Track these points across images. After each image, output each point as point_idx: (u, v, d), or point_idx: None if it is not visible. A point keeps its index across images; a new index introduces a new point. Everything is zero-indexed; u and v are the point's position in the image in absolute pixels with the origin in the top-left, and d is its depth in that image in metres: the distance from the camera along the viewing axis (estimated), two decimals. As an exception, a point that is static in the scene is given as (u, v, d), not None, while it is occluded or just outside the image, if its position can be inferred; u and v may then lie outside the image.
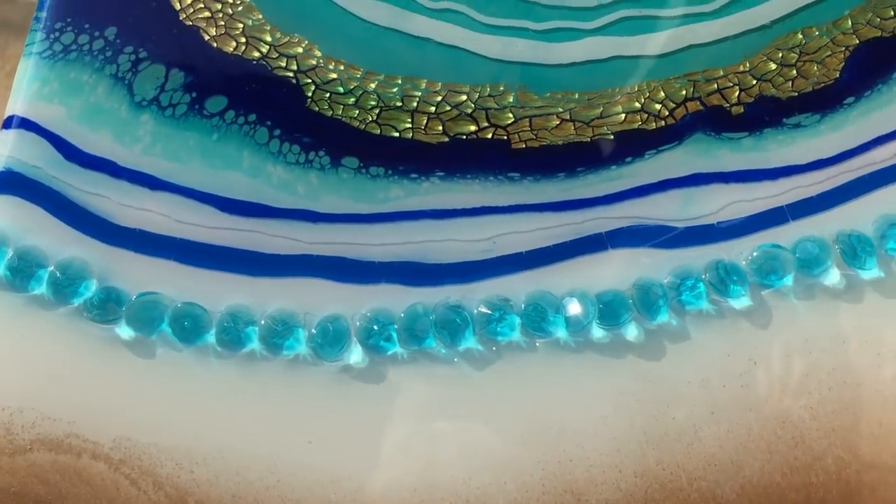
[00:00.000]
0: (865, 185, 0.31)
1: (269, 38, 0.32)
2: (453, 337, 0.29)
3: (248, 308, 0.29)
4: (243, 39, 0.32)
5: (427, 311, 0.29)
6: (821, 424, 0.29)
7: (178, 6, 0.32)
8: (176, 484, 0.28)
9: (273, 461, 0.28)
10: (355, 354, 0.29)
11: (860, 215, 0.31)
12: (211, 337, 0.29)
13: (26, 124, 0.31)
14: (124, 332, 0.29)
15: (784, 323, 0.30)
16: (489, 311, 0.29)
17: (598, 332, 0.29)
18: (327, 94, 0.32)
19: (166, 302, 0.29)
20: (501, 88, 0.32)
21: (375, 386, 0.29)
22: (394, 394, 0.29)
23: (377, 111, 0.32)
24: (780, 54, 0.32)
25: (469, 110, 0.32)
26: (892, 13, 0.33)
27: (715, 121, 0.32)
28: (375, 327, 0.29)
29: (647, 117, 0.32)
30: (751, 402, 0.29)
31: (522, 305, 0.29)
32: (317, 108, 0.32)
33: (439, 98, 0.32)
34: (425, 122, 0.32)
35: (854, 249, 0.30)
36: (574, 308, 0.29)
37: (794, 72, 0.32)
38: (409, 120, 0.31)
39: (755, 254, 0.30)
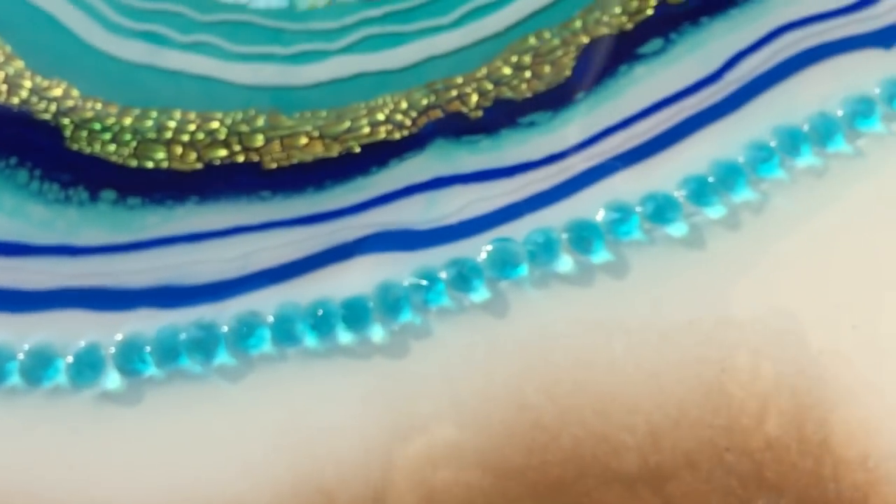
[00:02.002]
0: (596, 174, 0.31)
1: (29, 84, 0.32)
2: (206, 354, 0.29)
3: (8, 344, 0.29)
4: (5, 87, 0.32)
5: (179, 331, 0.29)
6: (556, 405, 0.29)
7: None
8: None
9: (34, 490, 0.28)
10: (112, 379, 0.29)
11: (591, 203, 0.31)
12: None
13: None
14: None
15: (521, 312, 0.30)
16: (240, 326, 0.29)
17: (345, 337, 0.29)
18: (85, 133, 0.31)
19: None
20: (252, 113, 0.32)
21: (133, 408, 0.29)
22: (152, 414, 0.29)
23: (134, 145, 0.31)
24: (515, 58, 0.32)
25: (222, 136, 0.32)
26: (620, 10, 0.33)
27: (455, 126, 0.32)
28: (130, 351, 0.29)
29: (392, 128, 0.32)
30: (490, 391, 0.29)
31: (272, 318, 0.29)
32: (76, 147, 0.31)
33: (193, 127, 0.32)
34: (180, 151, 0.31)
35: (583, 236, 0.30)
36: (321, 315, 0.29)
37: (529, 73, 0.32)
38: (165, 150, 0.31)
39: (490, 248, 0.30)
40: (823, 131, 0.31)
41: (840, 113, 0.31)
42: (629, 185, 0.31)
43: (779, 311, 0.29)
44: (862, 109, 0.31)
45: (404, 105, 0.32)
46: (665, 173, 0.31)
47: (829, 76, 0.31)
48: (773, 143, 0.30)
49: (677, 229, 0.30)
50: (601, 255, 0.30)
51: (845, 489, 0.28)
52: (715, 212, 0.30)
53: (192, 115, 0.32)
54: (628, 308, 0.29)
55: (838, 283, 0.29)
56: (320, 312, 0.29)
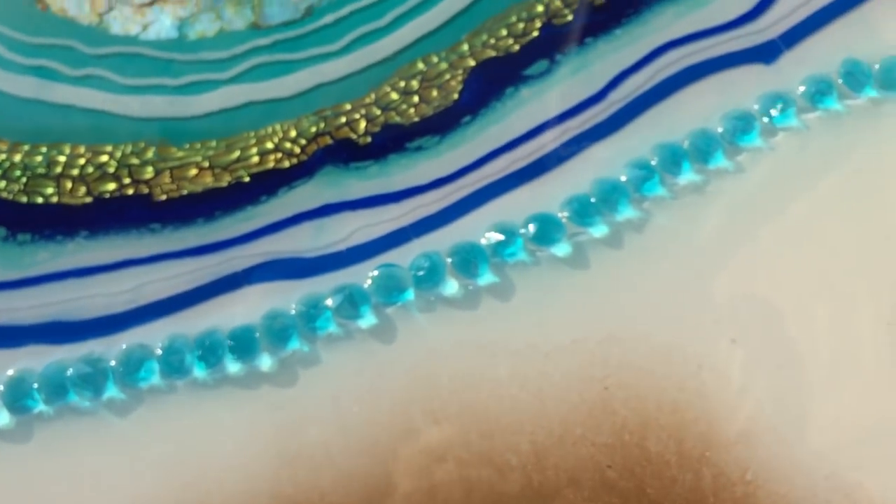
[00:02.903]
0: (482, 197, 0.31)
1: (-81, 123, 0.32)
2: (95, 389, 0.29)
3: None
4: None
5: (67, 367, 0.29)
6: (442, 428, 0.29)
7: None
8: None
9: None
10: (1, 417, 0.29)
11: (478, 226, 0.31)
12: None
13: None
14: None
15: (408, 336, 0.30)
16: (128, 360, 0.29)
17: (233, 367, 0.29)
18: (-25, 170, 0.31)
19: None
20: (142, 145, 0.31)
21: (23, 445, 0.28)
22: (42, 450, 0.28)
23: (24, 181, 0.31)
24: (403, 83, 0.32)
25: (112, 169, 0.31)
26: (506, 33, 0.33)
27: (344, 153, 0.31)
28: (19, 388, 0.29)
29: (281, 156, 0.31)
30: (377, 416, 0.29)
31: (160, 350, 0.29)
32: (-33, 185, 0.31)
33: (83, 161, 0.31)
34: (70, 185, 0.31)
35: (468, 259, 0.30)
36: (209, 346, 0.29)
37: (417, 98, 0.32)
38: (55, 185, 0.31)
39: (375, 274, 0.30)
40: (704, 148, 0.30)
41: (720, 129, 0.31)
42: (515, 206, 0.30)
43: (660, 327, 0.29)
44: (741, 125, 0.30)
45: (293, 133, 0.31)
46: (550, 194, 0.30)
47: (711, 93, 0.31)
48: (654, 162, 0.30)
49: (561, 249, 0.30)
50: (487, 278, 0.30)
51: (724, 502, 0.28)
52: (598, 231, 0.30)
53: (82, 149, 0.31)
54: (513, 329, 0.29)
55: (718, 298, 0.29)
56: (208, 343, 0.29)
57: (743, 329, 0.29)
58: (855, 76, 0.31)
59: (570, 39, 0.32)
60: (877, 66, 0.30)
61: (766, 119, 0.30)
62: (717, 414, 0.28)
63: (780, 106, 0.30)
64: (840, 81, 0.31)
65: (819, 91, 0.31)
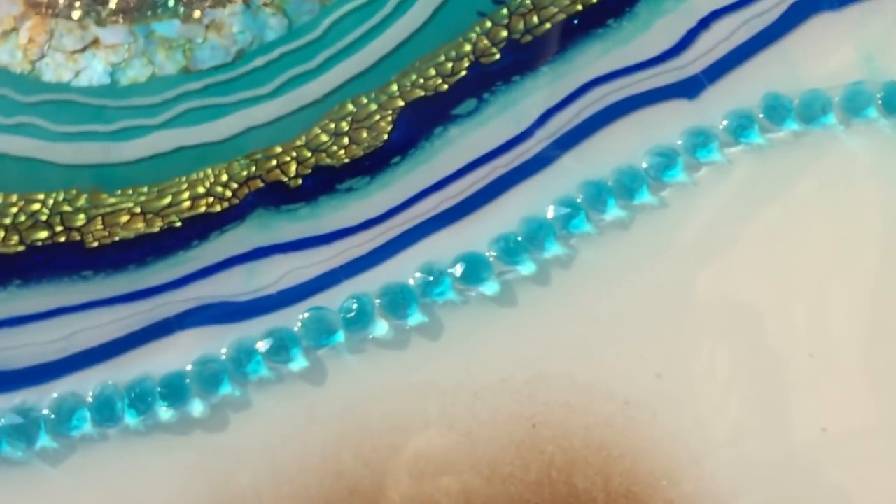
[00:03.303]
0: (411, 237, 0.31)
1: None
2: (27, 439, 0.29)
3: None
4: None
5: (-1, 419, 0.29)
6: (372, 470, 0.29)
7: None
8: None
9: None
10: (-69, 470, 0.28)
11: (407, 266, 0.31)
12: None
13: None
14: None
15: (339, 379, 0.30)
16: (60, 409, 0.29)
17: (165, 413, 0.29)
18: None
19: None
20: (74, 192, 0.31)
21: (-45, 497, 0.29)
22: (-26, 502, 0.28)
23: (-44, 230, 0.31)
24: (333, 125, 0.32)
25: (44, 217, 0.31)
26: (435, 73, 0.33)
27: (275, 195, 0.31)
28: (-50, 441, 0.29)
29: (212, 200, 0.31)
30: (308, 460, 0.29)
31: (91, 399, 0.29)
32: None
33: (15, 210, 0.31)
34: (2, 234, 0.31)
35: (397, 300, 0.30)
36: (139, 394, 0.29)
37: (347, 140, 0.32)
38: (-14, 235, 0.31)
39: (305, 317, 0.30)
40: (629, 184, 0.31)
41: (645, 165, 0.31)
42: (444, 246, 0.30)
43: (587, 363, 0.29)
44: (665, 161, 0.31)
45: (224, 177, 0.31)
46: (478, 233, 0.31)
47: (635, 129, 0.31)
48: (579, 199, 0.30)
49: (490, 288, 0.30)
50: (416, 318, 0.30)
51: (650, 537, 0.28)
52: (526, 268, 0.30)
53: (14, 198, 0.31)
54: (443, 369, 0.29)
55: (643, 333, 0.30)
56: (138, 390, 0.29)
57: (667, 364, 0.29)
58: (776, 110, 0.31)
59: (497, 78, 0.32)
60: (797, 100, 0.31)
61: (689, 154, 0.31)
62: (643, 450, 0.28)
63: (702, 140, 0.31)
64: (761, 115, 0.31)
65: (741, 125, 0.31)
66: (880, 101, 0.31)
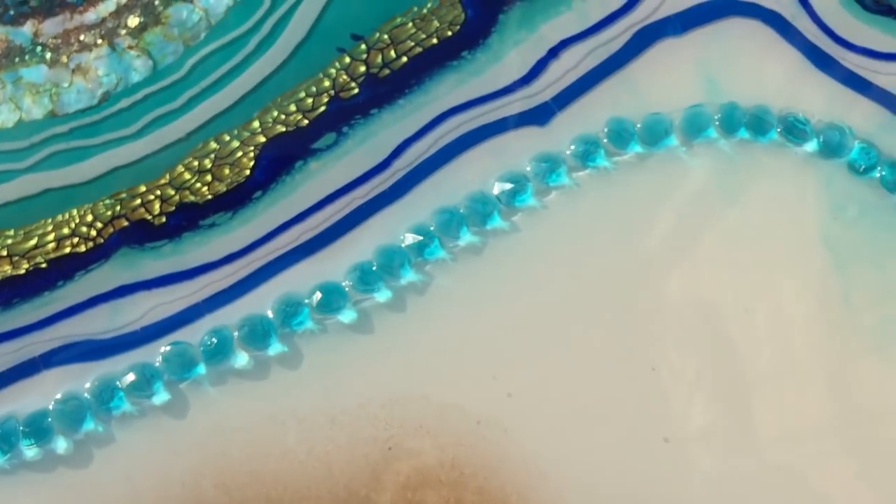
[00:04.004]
0: (272, 269, 0.32)
1: None
2: None
3: None
4: None
5: None
6: (232, 498, 0.29)
7: None
8: None
9: None
10: None
11: (268, 298, 0.31)
12: None
13: None
14: None
15: (200, 410, 0.30)
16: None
17: (29, 451, 0.30)
18: None
19: None
20: (-58, 238, 0.32)
21: None
22: None
23: None
24: (196, 163, 0.33)
25: (-89, 263, 0.32)
26: (295, 108, 0.33)
27: (139, 234, 0.32)
28: None
29: (78, 241, 0.32)
30: (169, 491, 0.29)
31: (-46, 441, 0.29)
32: None
33: None
34: None
35: (256, 331, 0.31)
36: (3, 433, 0.29)
37: (210, 177, 0.33)
38: None
39: (166, 351, 0.30)
40: (481, 210, 0.31)
41: (496, 191, 0.32)
42: (303, 277, 0.31)
43: (441, 386, 0.30)
44: (516, 187, 0.32)
45: (90, 217, 0.32)
46: (337, 263, 0.31)
47: (488, 156, 0.32)
48: (433, 227, 0.31)
49: (347, 316, 0.31)
50: (275, 348, 0.30)
51: (500, 552, 0.29)
52: (382, 296, 0.31)
53: None
54: (301, 397, 0.30)
55: (496, 355, 0.30)
56: (2, 431, 0.29)
57: (518, 383, 0.30)
58: (620, 134, 0.32)
59: (356, 111, 0.33)
60: (640, 124, 0.32)
61: (539, 180, 0.32)
62: (495, 467, 0.29)
63: (551, 166, 0.32)
64: (605, 140, 0.32)
65: (587, 150, 0.32)
66: (718, 122, 0.32)
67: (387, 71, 0.33)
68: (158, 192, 0.32)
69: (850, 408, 0.30)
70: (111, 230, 0.31)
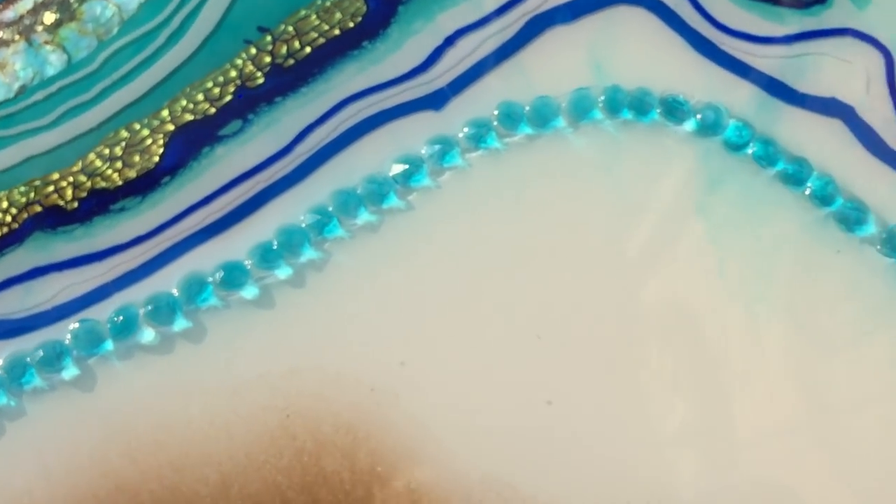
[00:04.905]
0: (178, 250, 0.33)
1: None
2: None
3: None
4: None
5: None
6: (138, 467, 0.30)
7: None
8: None
9: None
10: None
11: (175, 277, 0.32)
12: None
13: None
14: None
15: (108, 384, 0.31)
16: None
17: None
18: None
19: None
20: None
21: None
22: None
23: None
24: (108, 151, 0.34)
25: None
26: (203, 98, 0.35)
27: (52, 219, 0.33)
28: None
29: (-7, 226, 0.33)
30: (77, 461, 0.30)
31: None
32: None
33: None
34: None
35: (162, 308, 0.32)
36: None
37: (121, 164, 0.34)
38: None
39: (75, 328, 0.31)
40: (378, 191, 0.33)
41: (392, 172, 0.33)
42: (209, 256, 0.32)
43: (337, 356, 0.31)
44: (411, 168, 0.33)
45: (5, 204, 0.33)
46: (240, 243, 0.32)
47: (386, 140, 0.33)
48: (331, 207, 0.32)
49: (249, 292, 0.32)
50: (180, 324, 0.31)
51: (391, 511, 0.30)
52: (283, 273, 0.32)
53: None
54: (205, 370, 0.31)
55: (389, 327, 0.31)
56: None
57: (410, 352, 0.31)
58: (510, 117, 0.33)
59: (261, 100, 0.34)
60: (528, 107, 0.33)
61: (434, 161, 0.33)
62: (387, 431, 0.30)
63: (445, 148, 0.33)
64: (496, 123, 0.33)
65: (479, 132, 0.33)
66: (602, 104, 0.33)
67: (291, 61, 0.34)
68: (71, 179, 0.33)
69: (719, 369, 0.31)
70: (25, 216, 0.33)
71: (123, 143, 0.33)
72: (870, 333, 0.31)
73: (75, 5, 0.34)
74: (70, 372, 0.30)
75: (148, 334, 0.31)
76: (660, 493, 0.30)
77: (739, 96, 0.33)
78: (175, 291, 0.31)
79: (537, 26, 0.34)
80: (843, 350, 0.31)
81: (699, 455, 0.31)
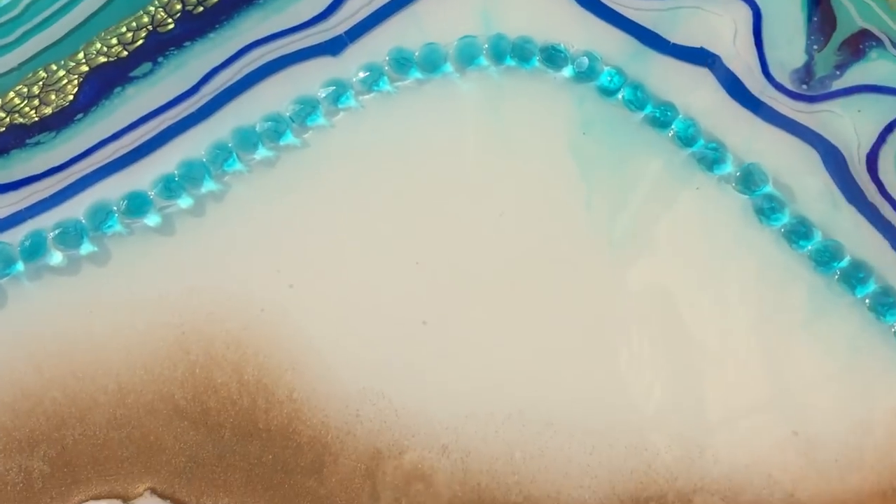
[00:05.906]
0: (88, 181, 0.35)
1: None
2: None
3: None
4: None
5: None
6: (42, 375, 0.32)
7: None
8: None
9: None
10: None
11: (84, 205, 0.34)
12: None
13: None
14: None
15: (18, 302, 0.33)
16: None
17: None
18: None
19: None
20: None
21: None
22: None
23: None
24: (26, 89, 0.36)
25: None
26: (116, 42, 0.36)
27: (-29, 151, 0.35)
28: None
29: (-84, 159, 0.35)
30: None
31: None
32: None
33: None
34: None
35: (69, 233, 0.34)
36: None
37: (38, 101, 0.36)
38: None
39: (-13, 253, 0.34)
40: (275, 129, 0.35)
41: (289, 112, 0.35)
42: (117, 187, 0.34)
43: (232, 279, 0.33)
44: (308, 108, 0.35)
45: (-73, 139, 0.35)
46: (146, 175, 0.34)
47: (286, 83, 0.35)
48: (231, 143, 0.34)
49: (152, 220, 0.34)
50: (86, 248, 0.34)
51: (273, 418, 0.32)
52: (184, 202, 0.34)
53: None
54: (108, 290, 0.33)
55: (281, 254, 0.34)
56: None
57: (299, 276, 0.33)
58: (400, 62, 0.35)
59: (171, 44, 0.36)
60: (418, 54, 0.35)
61: (329, 102, 0.35)
62: (274, 347, 0.32)
63: (339, 90, 0.35)
64: (387, 68, 0.35)
65: (372, 76, 0.35)
66: (487, 51, 0.35)
67: (201, 8, 0.36)
68: None
69: (582, 295, 0.33)
70: (-54, 152, 0.35)
71: (41, 83, 0.35)
72: (722, 267, 0.33)
73: (0, -46, 0.36)
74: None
75: (56, 257, 0.33)
76: (517, 393, 0.32)
77: (615, 46, 0.35)
78: (82, 218, 0.33)
79: (432, -22, 0.36)
80: (699, 281, 0.33)
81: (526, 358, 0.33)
